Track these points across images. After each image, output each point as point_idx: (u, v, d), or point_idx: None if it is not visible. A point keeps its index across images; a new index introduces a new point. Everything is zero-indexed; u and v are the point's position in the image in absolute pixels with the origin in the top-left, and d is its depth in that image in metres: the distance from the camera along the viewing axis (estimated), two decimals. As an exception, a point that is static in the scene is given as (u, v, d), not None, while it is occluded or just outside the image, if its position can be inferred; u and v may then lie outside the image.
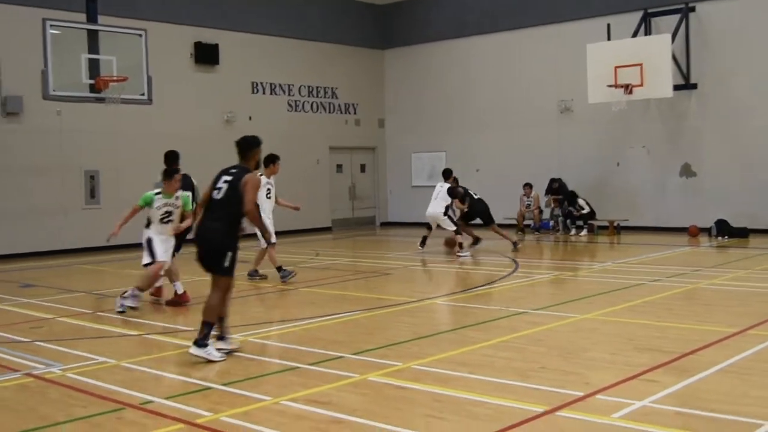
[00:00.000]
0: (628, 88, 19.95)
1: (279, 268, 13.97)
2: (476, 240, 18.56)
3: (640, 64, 19.79)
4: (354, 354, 8.13)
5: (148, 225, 11.27)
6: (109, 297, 12.74)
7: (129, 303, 11.00)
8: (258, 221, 8.32)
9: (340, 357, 8.03)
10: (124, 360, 8.17)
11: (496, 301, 11.25)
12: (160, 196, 11.18)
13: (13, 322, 10.68)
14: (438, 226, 18.20)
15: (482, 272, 14.75)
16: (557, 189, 22.68)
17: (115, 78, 17.87)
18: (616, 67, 20.07)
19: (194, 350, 8.01)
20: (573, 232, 21.95)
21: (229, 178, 8.31)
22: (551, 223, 22.91)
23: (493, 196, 24.86)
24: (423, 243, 18.40)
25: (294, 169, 24.39)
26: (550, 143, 23.92)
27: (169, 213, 11.20)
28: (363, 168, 28.14)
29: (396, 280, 14.38)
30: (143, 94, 20.45)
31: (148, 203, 11.12)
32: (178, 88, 22.28)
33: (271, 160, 14.25)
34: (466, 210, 18.51)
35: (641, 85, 19.85)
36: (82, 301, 12.60)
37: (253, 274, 14.31)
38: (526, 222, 22.92)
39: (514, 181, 23.74)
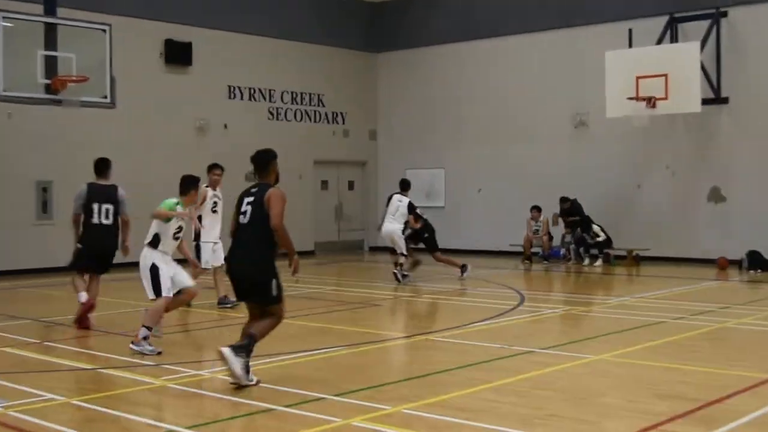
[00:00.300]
0: (651, 102, 20.02)
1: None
2: (416, 262, 18.87)
3: (665, 75, 19.87)
4: (336, 395, 8.06)
5: (154, 244, 10.53)
6: (59, 325, 12.65)
7: (147, 349, 10.13)
8: (287, 239, 8.47)
9: (321, 398, 7.97)
10: (75, 397, 8.11)
11: (499, 339, 11.19)
12: (179, 207, 10.62)
13: (-51, 351, 10.60)
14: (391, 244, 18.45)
15: (483, 305, 14.71)
16: (569, 209, 22.64)
17: (74, 78, 17.82)
18: (638, 78, 20.15)
19: (225, 351, 8.28)
20: (586, 261, 21.94)
21: (251, 198, 8.63)
22: (562, 251, 22.91)
23: (497, 220, 24.96)
24: (404, 271, 18.37)
25: (273, 184, 24.37)
26: (563, 162, 23.95)
27: (181, 228, 10.80)
28: (351, 185, 28.14)
29: (386, 312, 14.35)
30: (106, 97, 20.34)
31: (171, 209, 10.47)
32: (145, 91, 22.27)
33: (209, 169, 14.71)
34: (419, 228, 18.66)
35: (666, 98, 19.92)
36: (28, 329, 12.52)
37: (224, 301, 14.20)
38: (534, 249, 22.92)
39: (521, 203, 23.75)
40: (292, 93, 26.06)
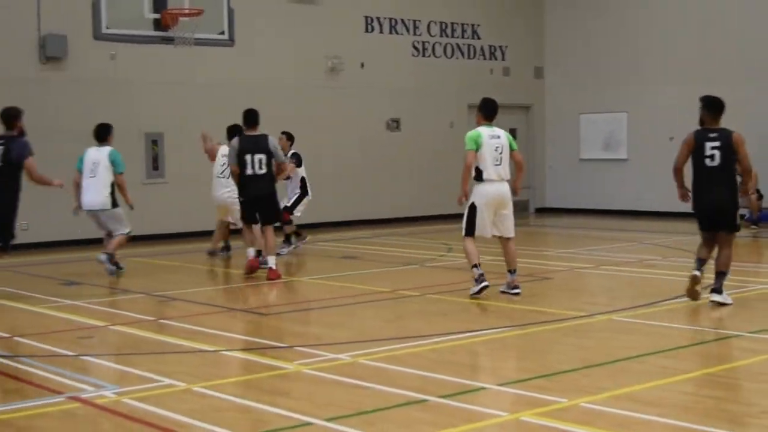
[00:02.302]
0: None
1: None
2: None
3: None
4: (501, 385, 8.12)
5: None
6: (176, 300, 13.10)
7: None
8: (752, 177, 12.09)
9: (482, 388, 8.05)
10: (196, 383, 8.37)
11: (698, 320, 11.05)
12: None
13: (54, 330, 11.11)
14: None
15: (677, 279, 14.48)
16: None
17: (186, 11, 18.30)
18: None
19: (715, 297, 11.48)
20: (807, 225, 21.37)
21: (716, 143, 11.50)
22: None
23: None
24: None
25: (419, 134, 24.50)
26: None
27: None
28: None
29: (558, 287, 14.29)
30: (223, 33, 20.90)
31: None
32: (268, 26, 22.61)
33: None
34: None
35: None
36: (141, 304, 12.99)
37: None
38: (740, 211, 22.35)
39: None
40: (441, 24, 26.03)
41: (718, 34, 24.21)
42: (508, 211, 12.95)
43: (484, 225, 12.69)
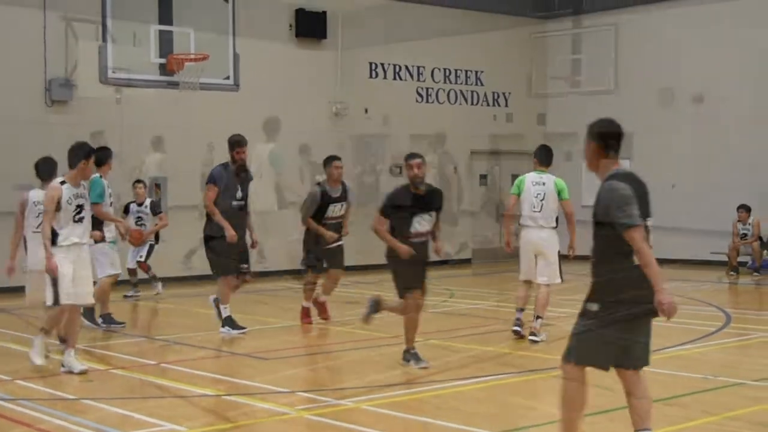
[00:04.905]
0: None
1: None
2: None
3: None
4: (504, 432, 8.09)
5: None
6: (178, 344, 13.08)
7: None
8: None
9: (486, 436, 8.02)
10: (196, 428, 8.35)
11: (700, 368, 11.01)
12: None
13: (55, 373, 11.04)
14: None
15: (679, 327, 14.43)
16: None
17: (192, 56, 18.38)
18: None
19: None
20: (809, 274, 21.36)
21: None
22: (777, 261, 22.33)
23: (696, 222, 24.39)
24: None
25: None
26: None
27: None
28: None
29: (560, 334, 14.24)
30: (228, 78, 20.98)
31: None
32: (273, 71, 22.66)
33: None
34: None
35: None
36: (143, 347, 12.97)
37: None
38: (742, 258, 22.37)
39: (725, 202, 23.20)
40: (444, 70, 26.11)
41: (717, 77, 24.26)
42: (547, 258, 13.13)
43: (527, 268, 13.18)
